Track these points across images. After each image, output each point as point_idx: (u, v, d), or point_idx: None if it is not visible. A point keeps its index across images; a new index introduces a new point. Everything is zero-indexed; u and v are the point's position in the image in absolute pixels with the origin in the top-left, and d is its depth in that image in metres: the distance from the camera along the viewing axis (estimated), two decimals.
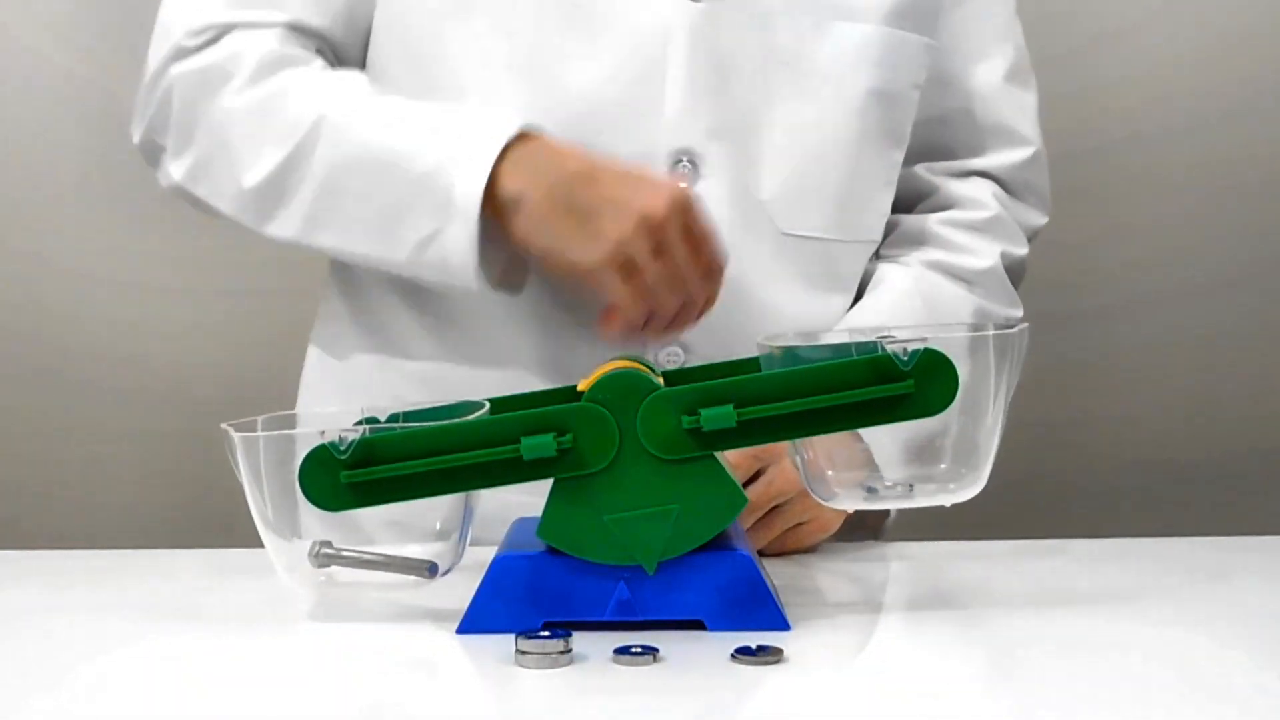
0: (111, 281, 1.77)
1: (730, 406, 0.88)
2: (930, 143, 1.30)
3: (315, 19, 1.20)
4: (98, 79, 1.77)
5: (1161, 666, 0.84)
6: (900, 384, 0.88)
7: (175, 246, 1.76)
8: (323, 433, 0.89)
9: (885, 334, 0.91)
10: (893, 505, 0.96)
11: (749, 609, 0.89)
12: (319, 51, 1.21)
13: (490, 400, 0.97)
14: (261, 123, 1.15)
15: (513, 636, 0.84)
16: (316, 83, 1.16)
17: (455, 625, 0.90)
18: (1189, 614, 0.94)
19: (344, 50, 1.23)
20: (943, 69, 1.28)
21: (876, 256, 1.30)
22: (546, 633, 0.84)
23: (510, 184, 1.08)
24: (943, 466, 0.94)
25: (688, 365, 1.16)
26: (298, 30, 1.19)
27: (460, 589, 0.93)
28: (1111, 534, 1.30)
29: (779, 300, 1.20)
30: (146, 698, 0.82)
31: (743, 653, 0.83)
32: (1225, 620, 0.93)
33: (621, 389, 0.89)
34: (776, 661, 0.83)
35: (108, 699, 0.82)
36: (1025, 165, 1.32)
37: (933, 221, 1.30)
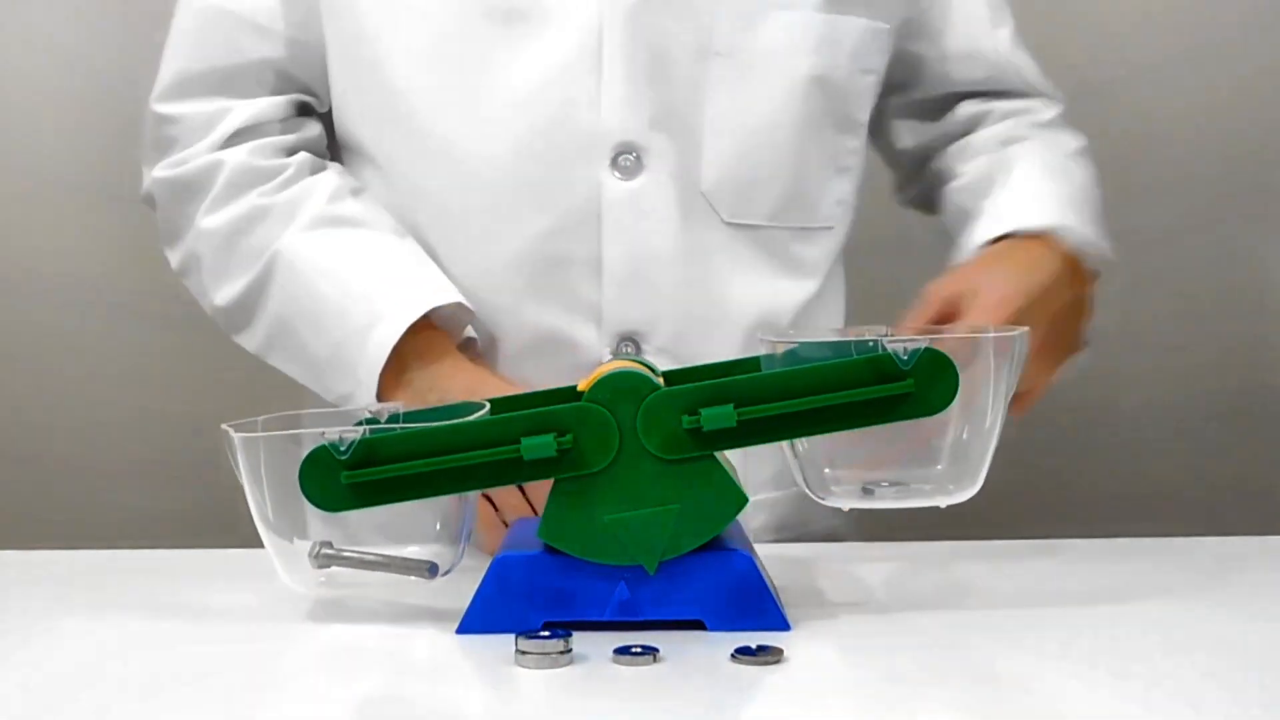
0: (112, 281, 1.77)
1: (730, 406, 0.88)
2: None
3: (271, 98, 1.27)
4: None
5: (1161, 666, 0.84)
6: (900, 383, 0.88)
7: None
8: (323, 433, 0.89)
9: (885, 334, 0.91)
10: (889, 505, 0.96)
11: (749, 609, 0.89)
12: (298, 106, 1.28)
13: (490, 400, 0.97)
14: (228, 251, 1.24)
15: (513, 636, 0.84)
16: (275, 210, 1.23)
17: (455, 625, 0.90)
18: (1189, 614, 0.94)
19: (311, 83, 1.28)
20: (963, 41, 1.35)
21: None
22: (546, 633, 0.84)
23: (396, 383, 1.17)
24: (939, 467, 0.94)
25: (644, 355, 1.20)
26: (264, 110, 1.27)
27: (460, 589, 0.93)
28: (1111, 534, 1.30)
29: (733, 289, 1.23)
30: (146, 698, 0.82)
31: (743, 653, 0.83)
32: (1225, 620, 0.93)
33: (621, 389, 0.89)
34: (776, 661, 0.83)
35: (108, 699, 0.82)
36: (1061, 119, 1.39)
37: (1002, 127, 1.36)
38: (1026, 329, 0.94)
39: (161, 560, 1.16)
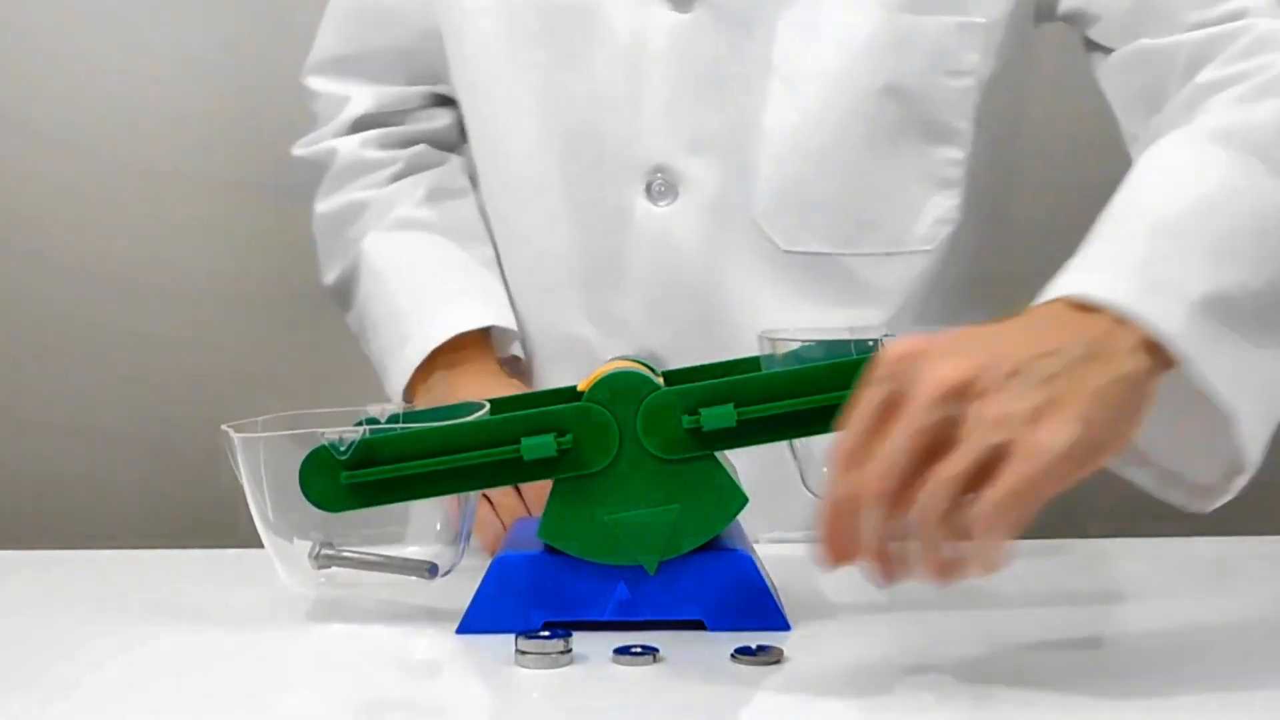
0: (112, 281, 1.77)
1: (730, 406, 0.88)
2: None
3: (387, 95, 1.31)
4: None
5: (1162, 666, 0.84)
6: None
7: (178, 248, 1.76)
8: (323, 433, 0.89)
9: (886, 333, 0.91)
10: None
11: (749, 609, 0.89)
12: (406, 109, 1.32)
13: (490, 400, 0.97)
14: (331, 238, 1.31)
15: (513, 636, 0.84)
16: (372, 206, 1.28)
17: (455, 625, 0.90)
18: (1189, 614, 0.94)
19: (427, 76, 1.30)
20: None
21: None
22: (546, 633, 0.84)
23: (421, 389, 1.21)
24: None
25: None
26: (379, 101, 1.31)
27: (460, 589, 0.92)
28: (1112, 534, 1.30)
29: (785, 321, 1.12)
30: (146, 698, 0.82)
31: (743, 653, 0.83)
32: (1225, 620, 0.93)
33: (621, 389, 0.89)
34: (776, 661, 0.83)
35: (108, 699, 0.82)
36: None
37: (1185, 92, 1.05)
38: None
39: (161, 560, 1.16)
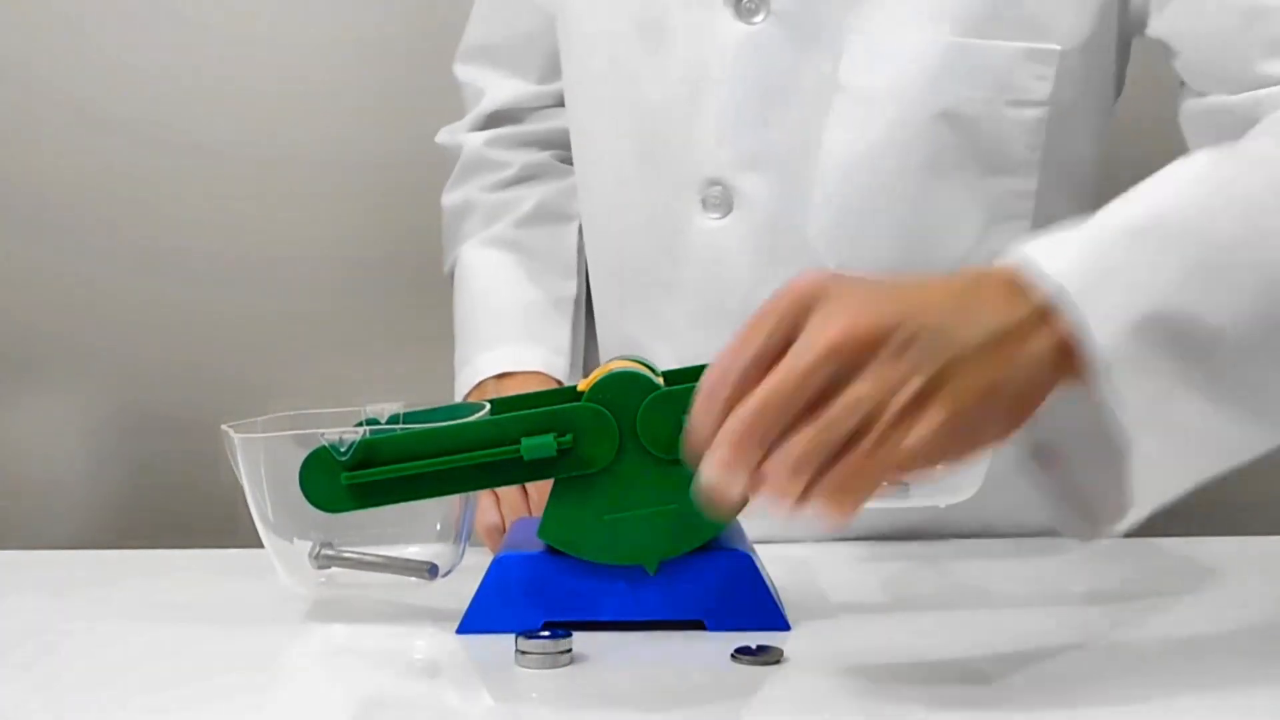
0: (111, 281, 1.77)
1: None
2: None
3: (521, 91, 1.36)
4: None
5: (1161, 666, 0.84)
6: None
7: (178, 249, 1.76)
8: (323, 434, 0.89)
9: None
10: (889, 504, 0.96)
11: (749, 609, 0.89)
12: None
13: (490, 400, 0.97)
14: (449, 230, 1.37)
15: (513, 636, 0.84)
16: (480, 209, 1.34)
17: (455, 625, 0.90)
18: (1189, 614, 0.94)
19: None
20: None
21: None
22: (546, 633, 0.84)
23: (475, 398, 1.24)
24: (939, 467, 0.94)
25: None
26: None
27: (460, 589, 0.92)
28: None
29: None
30: (146, 698, 0.82)
31: (743, 653, 0.83)
32: (1225, 620, 0.93)
33: (622, 389, 0.89)
34: (776, 661, 0.83)
35: (108, 699, 0.82)
36: None
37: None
38: None
39: (161, 560, 1.16)
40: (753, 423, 0.74)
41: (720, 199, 1.14)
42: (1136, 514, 0.79)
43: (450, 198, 1.37)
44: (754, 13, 1.12)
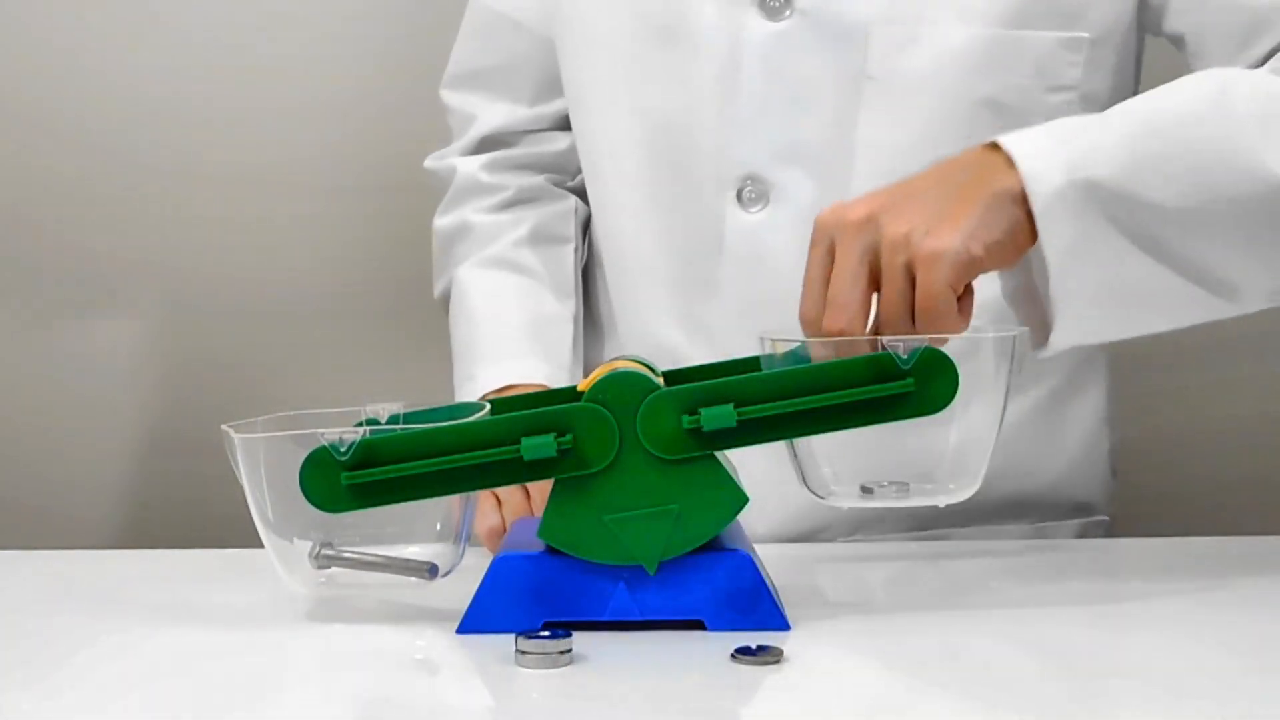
0: (111, 281, 1.77)
1: (730, 406, 0.88)
2: None
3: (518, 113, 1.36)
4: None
5: (1161, 667, 0.84)
6: (900, 382, 0.88)
7: (178, 249, 1.76)
8: (323, 434, 0.89)
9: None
10: (889, 505, 0.96)
11: (749, 609, 0.89)
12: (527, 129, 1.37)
13: (491, 401, 0.97)
14: (441, 254, 1.38)
15: (513, 636, 0.84)
16: (476, 232, 1.35)
17: (455, 625, 0.90)
18: (1189, 614, 0.94)
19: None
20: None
21: None
22: (546, 633, 0.84)
23: None
24: (940, 467, 0.94)
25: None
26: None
27: (460, 589, 0.93)
28: (1110, 534, 1.30)
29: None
30: (146, 698, 0.82)
31: (743, 653, 0.83)
32: (1225, 620, 0.93)
33: (621, 389, 0.89)
34: (776, 661, 0.83)
35: (107, 699, 0.82)
36: None
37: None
38: (1026, 330, 0.94)
39: (161, 560, 1.16)
40: (841, 296, 0.92)
41: (756, 193, 1.16)
42: (1059, 338, 0.95)
43: (443, 221, 1.37)
44: (780, 11, 1.15)
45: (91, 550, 1.18)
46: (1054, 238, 0.93)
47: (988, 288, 1.11)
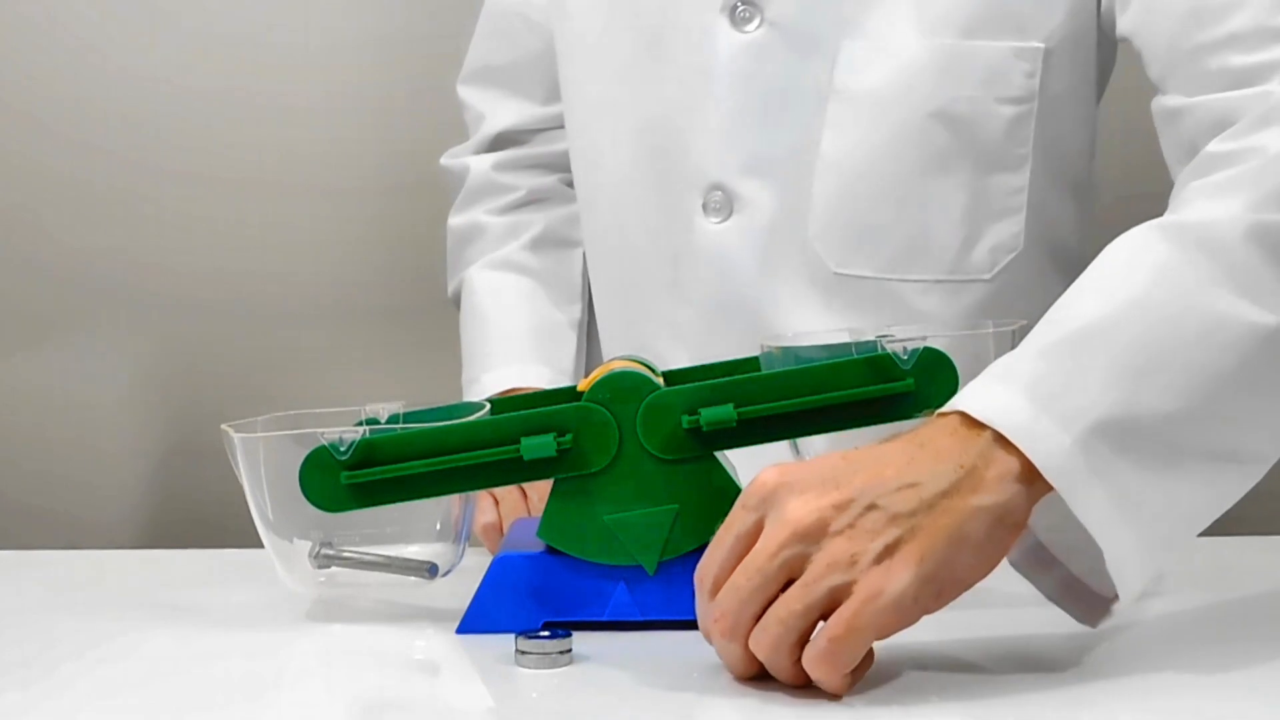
0: (110, 282, 1.77)
1: (730, 406, 0.88)
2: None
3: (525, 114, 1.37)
4: None
5: (1161, 667, 0.84)
6: (900, 383, 0.88)
7: (177, 250, 1.76)
8: (323, 433, 0.89)
9: (884, 334, 0.91)
10: None
11: None
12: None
13: (490, 400, 0.97)
14: (453, 253, 1.38)
15: (513, 636, 0.84)
16: (488, 233, 1.35)
17: (455, 625, 0.90)
18: (1189, 614, 0.94)
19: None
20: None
21: None
22: (546, 633, 0.84)
23: None
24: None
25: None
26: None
27: (460, 589, 0.93)
28: None
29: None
30: (146, 697, 0.82)
31: None
32: (1225, 620, 0.93)
33: (621, 389, 0.89)
34: None
35: (107, 699, 0.82)
36: None
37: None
38: (1025, 323, 0.92)
39: (161, 560, 1.16)
40: (729, 601, 0.78)
41: (721, 203, 1.16)
42: (1127, 599, 0.84)
43: (457, 220, 1.38)
44: (748, 21, 1.14)
45: (91, 550, 1.18)
46: (1092, 509, 0.81)
47: (969, 294, 1.14)
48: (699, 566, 0.81)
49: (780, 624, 0.77)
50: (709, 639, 0.81)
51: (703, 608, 0.80)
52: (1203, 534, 1.16)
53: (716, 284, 1.17)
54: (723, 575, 0.79)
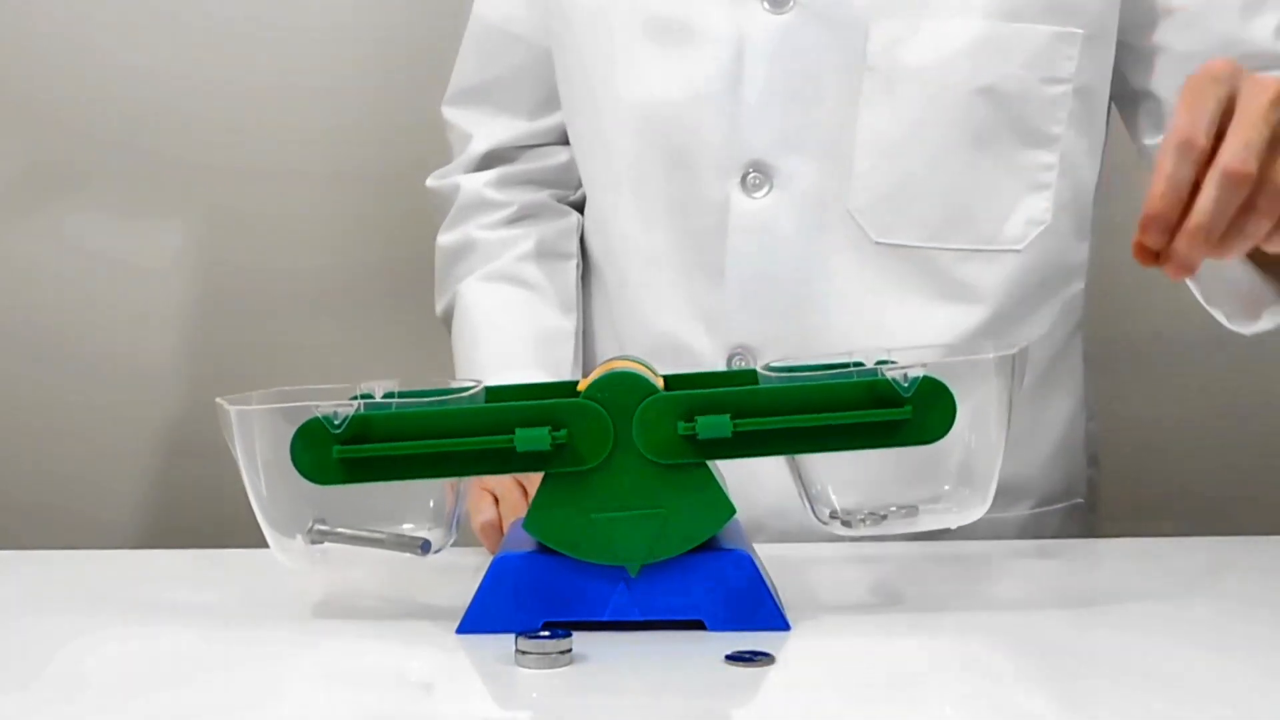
0: (110, 283, 1.77)
1: (727, 416, 0.88)
2: None
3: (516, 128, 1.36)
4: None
5: (1161, 667, 0.84)
6: (898, 410, 0.88)
7: (176, 244, 1.76)
8: (317, 405, 0.89)
9: (885, 360, 0.91)
10: (898, 529, 0.95)
11: (749, 609, 0.89)
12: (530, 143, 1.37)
13: (488, 389, 0.95)
14: (443, 271, 1.37)
15: (513, 636, 0.84)
16: (480, 248, 1.35)
17: (455, 625, 0.90)
18: (1188, 614, 0.94)
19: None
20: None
21: None
22: (546, 633, 0.84)
23: None
24: (947, 488, 0.94)
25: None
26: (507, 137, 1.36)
27: (460, 589, 0.93)
28: (1110, 534, 1.30)
29: (875, 312, 1.20)
30: (146, 698, 0.82)
31: (735, 659, 0.83)
32: (1224, 620, 0.93)
33: (620, 389, 0.89)
34: (767, 667, 0.83)
35: (108, 699, 0.82)
36: None
37: None
38: (1027, 346, 0.93)
39: (161, 560, 1.16)
40: (1244, 160, 0.86)
41: (760, 180, 1.19)
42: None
43: (447, 237, 1.37)
44: (784, 3, 1.18)
45: (91, 550, 1.18)
46: None
47: (1002, 263, 1.19)
48: (1180, 128, 0.86)
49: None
50: (1163, 210, 0.85)
51: (1180, 169, 0.86)
52: (1202, 534, 1.16)
53: (756, 257, 1.20)
54: (1208, 131, 0.86)
